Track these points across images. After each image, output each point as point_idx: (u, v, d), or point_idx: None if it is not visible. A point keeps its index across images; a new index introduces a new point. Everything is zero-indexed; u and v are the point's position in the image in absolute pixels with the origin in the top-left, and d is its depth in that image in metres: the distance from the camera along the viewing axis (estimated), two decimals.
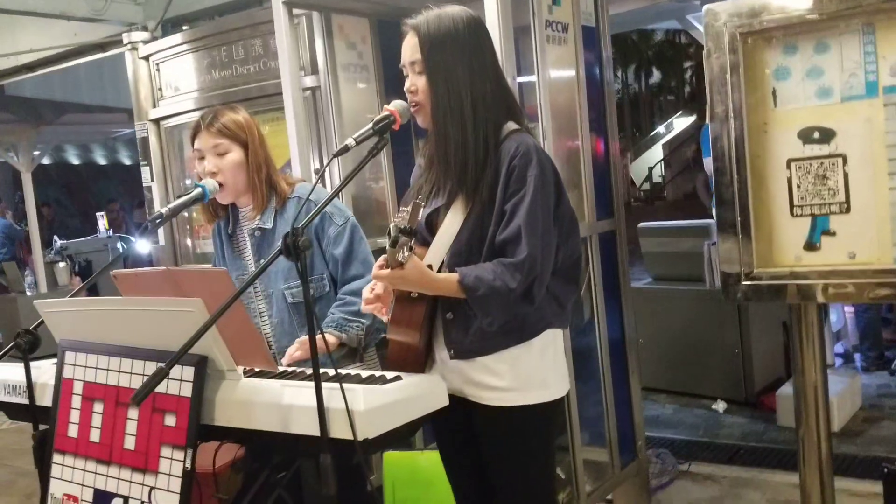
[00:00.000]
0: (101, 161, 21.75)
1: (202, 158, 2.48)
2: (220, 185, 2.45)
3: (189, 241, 4.17)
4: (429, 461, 3.03)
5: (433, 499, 2.98)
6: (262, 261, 2.49)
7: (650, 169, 23.68)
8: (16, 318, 8.21)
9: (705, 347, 5.02)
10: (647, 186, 23.10)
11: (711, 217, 5.74)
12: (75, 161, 21.04)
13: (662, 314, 5.17)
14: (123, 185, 20.84)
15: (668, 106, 33.42)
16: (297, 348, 2.31)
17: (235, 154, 2.46)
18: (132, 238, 11.60)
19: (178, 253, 4.10)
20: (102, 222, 11.48)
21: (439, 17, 1.99)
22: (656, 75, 33.72)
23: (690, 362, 5.11)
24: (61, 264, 9.08)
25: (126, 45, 4.07)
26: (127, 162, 21.90)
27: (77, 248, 10.55)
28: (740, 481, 3.86)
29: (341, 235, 2.46)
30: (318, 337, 1.71)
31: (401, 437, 1.82)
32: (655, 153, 24.65)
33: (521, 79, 3.04)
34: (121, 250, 10.85)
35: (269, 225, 2.50)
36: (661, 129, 28.21)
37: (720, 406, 4.93)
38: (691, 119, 25.28)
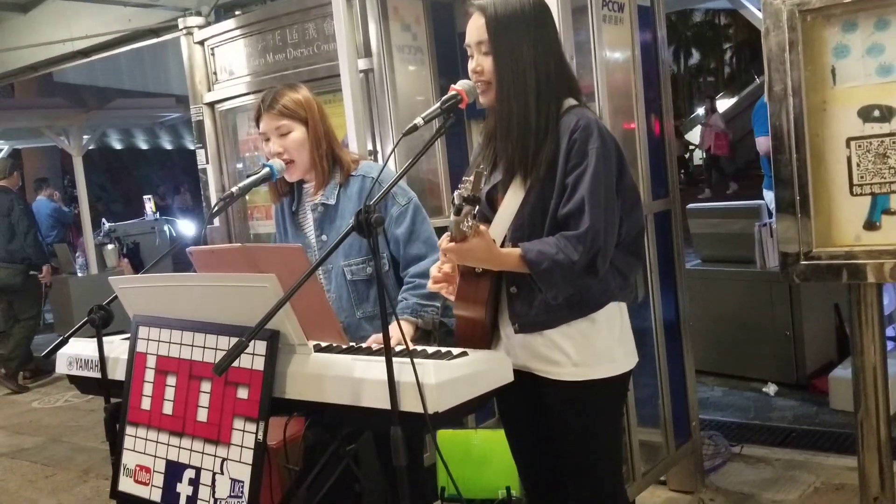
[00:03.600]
0: (143, 146, 22.04)
1: (268, 140, 2.52)
2: (289, 162, 2.50)
3: (241, 224, 4.23)
4: (482, 440, 3.07)
5: (486, 477, 3.02)
6: (323, 236, 2.54)
7: (691, 151, 23.41)
8: (68, 299, 8.40)
9: (755, 330, 4.99)
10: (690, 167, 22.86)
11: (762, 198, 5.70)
12: (118, 146, 21.34)
13: (712, 296, 5.15)
14: (164, 169, 21.12)
15: (708, 87, 32.93)
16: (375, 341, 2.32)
17: (298, 133, 2.50)
18: (190, 220, 11.79)
19: (232, 234, 4.16)
20: (149, 205, 11.66)
21: None
22: (695, 56, 33.25)
23: (740, 345, 5.08)
24: (110, 246, 9.25)
25: (181, 29, 4.11)
26: (168, 147, 22.18)
27: (125, 230, 10.75)
28: (794, 464, 3.85)
29: (404, 215, 2.49)
30: (395, 326, 1.72)
31: (468, 412, 1.86)
32: (695, 136, 24.35)
33: (578, 58, 3.05)
34: (167, 233, 11.05)
35: (332, 201, 2.54)
36: (700, 111, 27.83)
37: (771, 389, 4.90)
38: (732, 101, 24.90)
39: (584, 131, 1.95)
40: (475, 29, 2.03)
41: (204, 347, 1.99)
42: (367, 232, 1.72)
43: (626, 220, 2.03)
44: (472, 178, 1.77)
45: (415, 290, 2.44)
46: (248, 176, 2.44)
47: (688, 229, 5.48)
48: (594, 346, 2.04)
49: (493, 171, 2.12)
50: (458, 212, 1.79)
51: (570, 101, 2.05)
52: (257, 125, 2.55)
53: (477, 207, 1.82)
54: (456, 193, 1.78)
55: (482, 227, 1.90)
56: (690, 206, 5.67)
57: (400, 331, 1.91)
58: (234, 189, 2.36)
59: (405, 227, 2.48)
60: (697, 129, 24.76)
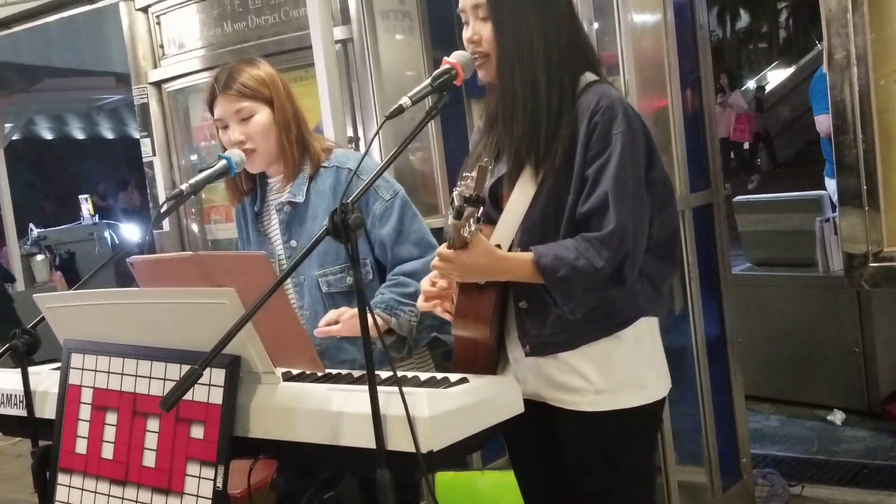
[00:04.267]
0: (79, 135, 22.06)
1: (225, 127, 2.53)
2: (251, 151, 2.51)
3: (197, 227, 4.24)
4: (489, 483, 3.06)
5: None
6: (292, 241, 2.55)
7: None
8: None
9: (818, 346, 4.99)
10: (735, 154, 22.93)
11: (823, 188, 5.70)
12: (48, 135, 21.37)
13: (765, 306, 5.15)
14: (105, 163, 21.14)
15: (760, 56, 32.96)
16: (335, 319, 2.36)
17: (262, 115, 2.51)
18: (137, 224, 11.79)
19: (185, 241, 4.17)
20: (87, 207, 11.66)
21: None
22: (744, 18, 33.28)
23: (799, 364, 5.08)
24: (39, 257, 9.23)
25: None
26: (108, 135, 22.19)
27: (57, 237, 10.73)
28: None
29: (389, 212, 2.49)
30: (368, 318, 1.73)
31: (470, 450, 1.87)
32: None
33: (597, 23, 3.06)
34: (109, 240, 11.05)
35: (300, 198, 2.54)
36: (751, 84, 27.87)
37: (837, 417, 4.90)
38: (788, 71, 24.96)
39: (607, 113, 1.96)
40: None
41: (150, 378, 1.98)
42: (343, 236, 1.71)
43: (657, 219, 2.03)
44: (474, 173, 1.77)
45: (395, 288, 2.45)
46: (202, 170, 2.44)
47: (735, 226, 5.49)
48: (620, 370, 2.04)
49: (497, 161, 2.13)
50: (458, 215, 1.79)
51: (589, 77, 2.06)
52: (211, 111, 2.56)
53: (481, 209, 1.82)
54: (455, 192, 1.78)
55: (483, 230, 1.90)
56: (738, 198, 5.68)
57: (374, 322, 1.88)
58: (184, 186, 2.35)
59: (391, 226, 2.49)
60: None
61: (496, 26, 2.01)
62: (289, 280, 2.58)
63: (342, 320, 2.37)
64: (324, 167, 2.56)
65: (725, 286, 3.48)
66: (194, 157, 4.18)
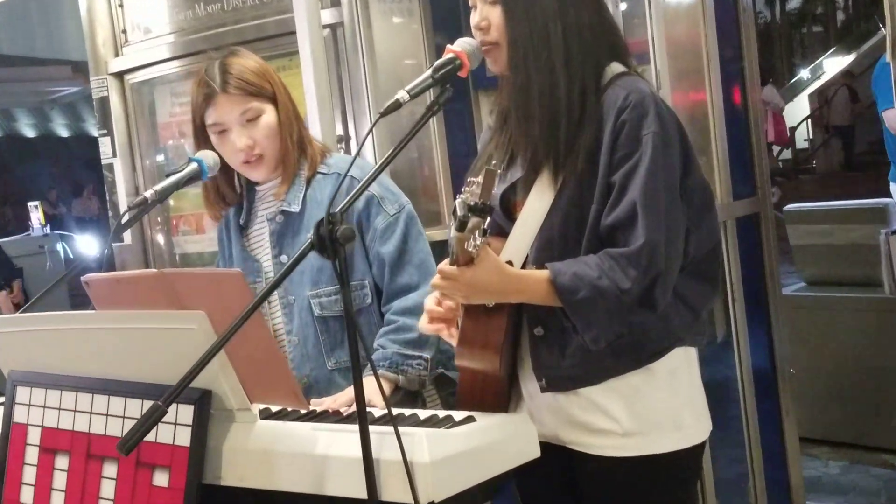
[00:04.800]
0: (29, 132, 22.15)
1: (223, 132, 2.52)
2: (259, 157, 2.53)
3: (163, 239, 4.24)
4: None
5: None
6: (283, 256, 2.56)
7: (792, 130, 23.47)
8: None
9: (885, 379, 4.97)
10: (787, 154, 22.92)
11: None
12: None
13: (821, 332, 5.14)
14: (59, 164, 21.21)
15: (815, 41, 33.01)
16: (332, 404, 2.32)
17: (269, 115, 2.53)
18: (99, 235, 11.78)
19: (149, 254, 4.17)
20: (36, 215, 11.67)
21: None
22: None
23: (863, 401, 5.06)
24: None
25: None
26: (63, 133, 22.28)
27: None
28: None
29: (393, 228, 2.51)
30: (372, 380, 1.72)
31: (475, 501, 1.85)
32: (798, 108, 24.44)
33: (624, 4, 3.07)
34: (62, 253, 11.06)
35: (295, 207, 2.55)
36: (805, 73, 27.89)
37: None
38: (848, 59, 25.00)
39: (636, 110, 1.96)
40: None
41: (107, 415, 1.98)
42: (330, 250, 1.71)
43: (694, 232, 2.03)
44: (481, 178, 1.77)
45: (397, 335, 2.44)
46: (169, 175, 2.45)
47: (786, 239, 5.48)
48: (652, 409, 2.04)
49: (510, 164, 2.13)
50: (461, 226, 1.78)
51: (615, 68, 2.07)
52: (202, 116, 2.55)
53: (488, 219, 1.81)
54: (458, 200, 1.78)
55: (492, 243, 1.90)
56: (789, 207, 5.67)
57: (379, 388, 1.91)
58: (148, 193, 2.36)
59: (394, 244, 2.50)
60: (801, 99, 24.89)
61: (506, 10, 2.02)
62: (277, 300, 2.59)
63: (334, 402, 2.32)
64: (321, 173, 2.58)
65: (775, 309, 3.47)
66: (160, 158, 4.18)
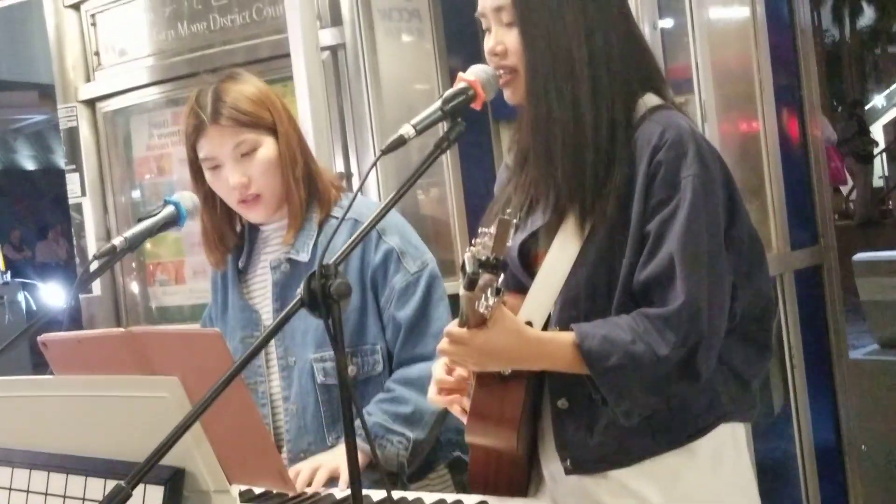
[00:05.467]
0: None
1: (216, 167, 2.53)
2: (255, 197, 2.52)
3: (137, 289, 4.24)
4: None
5: None
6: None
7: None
8: None
9: None
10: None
11: None
12: None
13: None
14: (22, 201, 21.31)
15: (891, 63, 32.99)
16: (314, 474, 2.33)
17: (267, 148, 2.53)
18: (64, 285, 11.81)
19: (121, 307, 4.17)
20: None
21: None
22: (868, 15, 33.34)
23: None
24: None
25: None
26: (28, 166, 22.39)
27: None
28: None
29: (412, 290, 2.51)
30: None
31: None
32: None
33: (663, 23, 3.06)
34: (24, 304, 11.06)
35: (304, 255, 2.55)
36: (879, 100, 27.87)
37: None
38: None
39: (674, 149, 1.96)
40: None
41: (64, 497, 1.96)
42: (322, 309, 1.71)
43: (742, 289, 2.02)
44: (493, 228, 1.76)
45: (388, 405, 2.45)
46: (142, 219, 2.46)
47: (856, 294, 5.43)
48: (693, 496, 2.01)
49: (530, 209, 2.13)
50: (470, 284, 1.76)
51: (650, 99, 2.06)
52: (193, 149, 2.56)
53: (502, 276, 1.79)
54: (468, 255, 1.76)
55: (508, 300, 1.88)
56: (859, 256, 5.63)
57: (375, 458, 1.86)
58: (117, 240, 2.37)
59: (412, 308, 2.51)
60: (874, 131, 24.87)
61: (525, 33, 2.02)
62: (275, 362, 2.59)
63: (313, 471, 2.35)
64: (333, 217, 2.57)
65: (841, 376, 3.45)
66: (136, 194, 4.19)
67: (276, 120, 2.53)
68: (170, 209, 2.48)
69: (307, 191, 2.57)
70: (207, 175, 2.55)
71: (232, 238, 2.68)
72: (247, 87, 2.54)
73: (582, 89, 1.99)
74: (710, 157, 1.99)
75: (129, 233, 2.40)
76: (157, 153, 4.02)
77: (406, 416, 2.40)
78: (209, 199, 2.62)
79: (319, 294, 1.71)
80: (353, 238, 1.88)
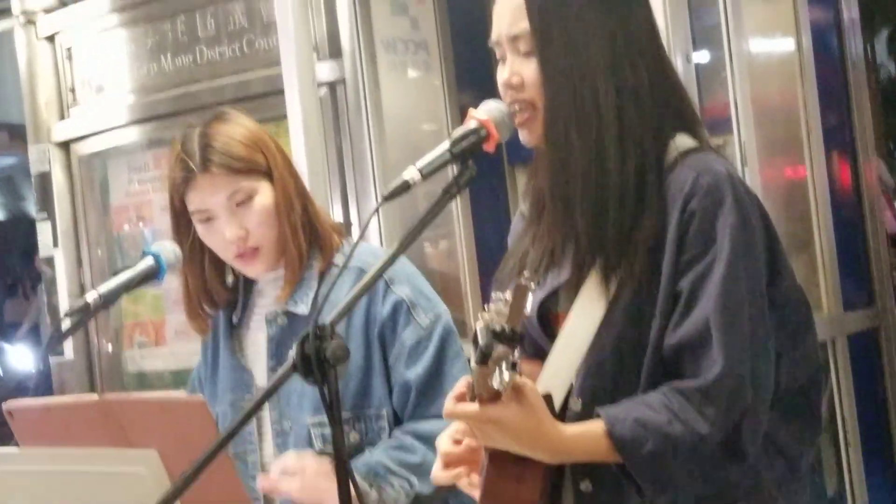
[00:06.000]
0: None
1: (209, 220, 2.52)
2: (254, 250, 2.52)
3: (112, 350, 4.23)
4: None
5: None
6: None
7: None
8: None
9: None
10: None
11: None
12: None
13: None
14: None
15: None
16: (295, 470, 2.35)
17: (264, 196, 2.52)
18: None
19: (95, 371, 4.15)
20: None
21: None
22: None
23: None
24: None
25: (16, 15, 4.20)
26: None
27: None
28: None
29: (424, 345, 2.50)
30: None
31: None
32: None
33: (698, 56, 3.06)
34: None
35: (303, 308, 2.54)
36: None
37: None
38: None
39: (709, 196, 1.94)
40: (507, 12, 2.04)
41: None
42: (317, 374, 1.70)
43: (787, 356, 2.00)
44: (509, 295, 1.75)
45: (394, 450, 2.44)
46: (116, 273, 2.45)
47: None
48: None
49: (550, 264, 2.10)
50: (483, 358, 1.72)
51: (683, 141, 2.04)
52: (179, 200, 2.55)
53: (518, 349, 1.75)
54: (480, 323, 1.73)
55: (525, 380, 1.84)
56: None
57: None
58: (89, 296, 2.36)
59: (424, 366, 2.50)
60: None
61: (544, 63, 2.00)
62: (268, 427, 2.58)
63: (305, 475, 2.34)
64: (334, 265, 2.57)
65: None
66: (114, 247, 4.19)
67: (270, 163, 2.53)
68: (149, 261, 2.46)
69: (307, 238, 2.56)
70: (199, 229, 2.54)
71: (222, 295, 2.66)
72: (237, 129, 2.54)
73: (607, 128, 1.98)
74: (749, 205, 1.97)
75: (103, 287, 2.40)
76: (137, 200, 4.03)
77: (413, 464, 2.39)
78: (195, 253, 2.61)
79: (313, 358, 1.70)
80: (352, 294, 1.87)
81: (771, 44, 3.23)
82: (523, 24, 2.01)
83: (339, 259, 2.58)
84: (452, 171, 1.99)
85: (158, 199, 3.91)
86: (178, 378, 3.40)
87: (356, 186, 3.45)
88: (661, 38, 2.12)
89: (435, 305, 2.57)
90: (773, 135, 3.16)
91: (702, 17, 3.01)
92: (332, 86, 3.45)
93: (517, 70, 2.04)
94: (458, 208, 3.48)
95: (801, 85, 3.26)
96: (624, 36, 2.01)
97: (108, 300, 2.39)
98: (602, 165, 1.98)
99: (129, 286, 2.43)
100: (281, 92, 3.30)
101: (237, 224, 2.49)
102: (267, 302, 2.63)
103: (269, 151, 2.54)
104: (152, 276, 2.46)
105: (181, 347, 3.77)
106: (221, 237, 2.50)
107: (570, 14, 1.99)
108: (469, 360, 1.88)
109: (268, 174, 2.52)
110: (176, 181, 2.53)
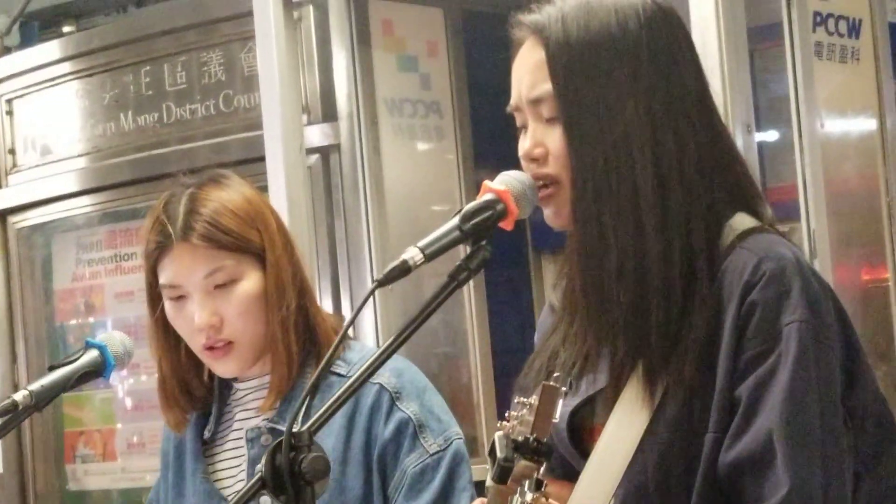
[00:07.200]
0: None
1: (180, 298, 2.52)
2: (227, 345, 2.49)
3: (51, 466, 4.21)
4: None
5: None
6: (263, 499, 2.49)
7: None
8: None
9: None
10: None
11: None
12: None
13: None
14: None
15: None
16: None
17: (250, 282, 2.52)
18: None
19: (29, 489, 4.12)
20: None
21: (587, 8, 2.03)
22: None
23: None
24: None
25: None
26: None
27: None
28: None
29: (430, 476, 2.50)
30: None
31: None
32: None
33: (763, 135, 3.06)
34: None
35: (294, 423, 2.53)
36: None
37: None
38: None
39: (773, 285, 1.92)
40: (528, 71, 2.05)
41: None
42: (290, 492, 1.68)
43: (866, 477, 1.98)
44: (534, 399, 1.75)
45: None
46: (53, 368, 2.43)
47: None
48: None
49: (584, 368, 2.09)
50: (503, 474, 1.74)
51: (741, 221, 2.04)
52: (152, 271, 2.56)
53: (544, 465, 1.77)
54: (499, 433, 1.75)
55: (553, 490, 1.86)
56: None
57: None
58: (18, 395, 2.33)
59: (430, 497, 2.49)
60: None
61: (570, 132, 2.00)
62: None
63: None
64: (337, 374, 2.54)
65: None
66: (56, 341, 4.19)
67: (266, 244, 2.52)
68: (92, 354, 2.45)
69: (300, 342, 2.55)
70: (168, 307, 2.54)
71: (200, 390, 2.65)
72: (233, 197, 2.54)
73: (646, 207, 1.97)
74: (821, 297, 1.95)
75: (35, 385, 2.36)
76: (86, 285, 4.03)
77: None
78: (172, 338, 2.60)
79: (286, 472, 1.69)
80: (335, 398, 1.84)
81: (848, 121, 3.22)
82: (546, 86, 2.02)
83: (340, 368, 2.55)
84: (464, 251, 1.97)
85: (112, 283, 3.90)
86: (129, 499, 3.37)
87: (350, 274, 3.43)
88: (713, 100, 2.11)
89: (446, 428, 2.57)
90: (848, 225, 3.15)
91: (768, 87, 3.02)
92: (324, 152, 3.43)
93: (540, 139, 2.05)
94: (471, 300, 3.45)
95: (883, 167, 3.25)
96: (665, 96, 2.02)
97: (41, 400, 2.36)
98: (642, 252, 1.97)
99: (66, 384, 2.40)
100: (262, 158, 3.30)
101: (211, 310, 2.48)
102: (247, 415, 2.62)
103: (266, 230, 2.53)
104: (96, 372, 2.43)
105: (133, 463, 3.73)
106: (190, 321, 2.49)
107: (599, 72, 2.00)
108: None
109: (260, 257, 2.51)
110: (150, 246, 2.54)
